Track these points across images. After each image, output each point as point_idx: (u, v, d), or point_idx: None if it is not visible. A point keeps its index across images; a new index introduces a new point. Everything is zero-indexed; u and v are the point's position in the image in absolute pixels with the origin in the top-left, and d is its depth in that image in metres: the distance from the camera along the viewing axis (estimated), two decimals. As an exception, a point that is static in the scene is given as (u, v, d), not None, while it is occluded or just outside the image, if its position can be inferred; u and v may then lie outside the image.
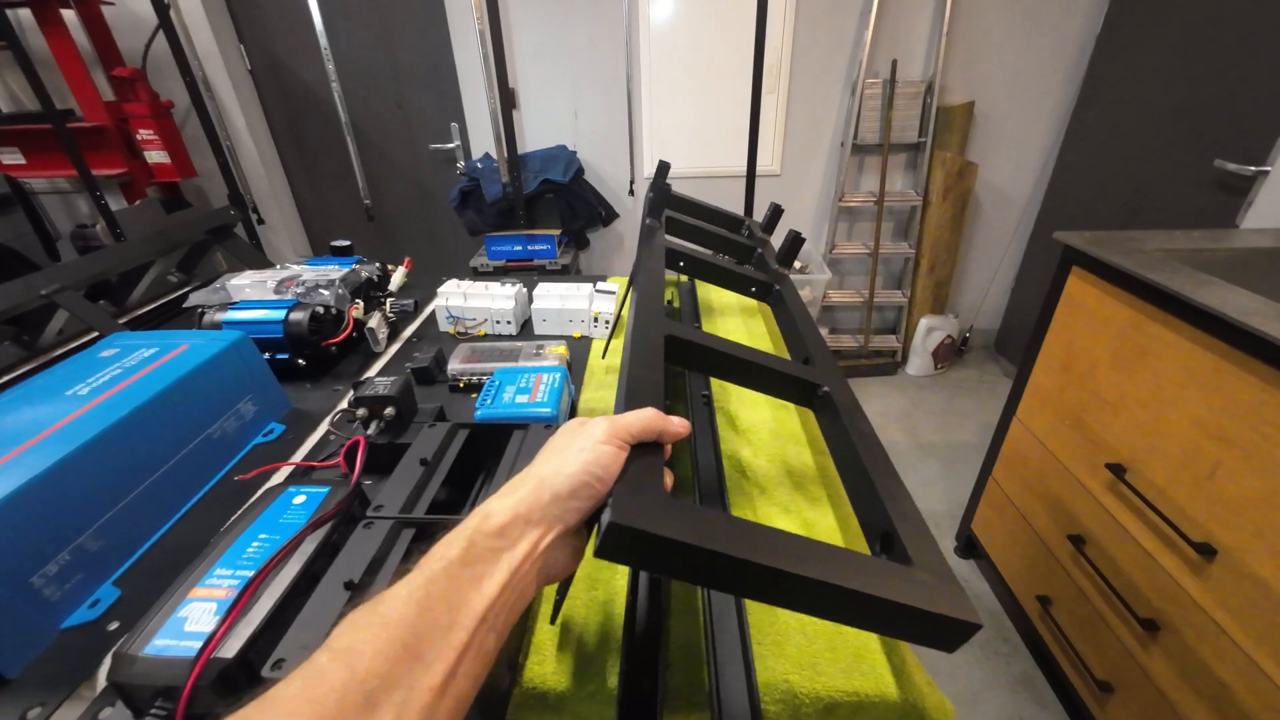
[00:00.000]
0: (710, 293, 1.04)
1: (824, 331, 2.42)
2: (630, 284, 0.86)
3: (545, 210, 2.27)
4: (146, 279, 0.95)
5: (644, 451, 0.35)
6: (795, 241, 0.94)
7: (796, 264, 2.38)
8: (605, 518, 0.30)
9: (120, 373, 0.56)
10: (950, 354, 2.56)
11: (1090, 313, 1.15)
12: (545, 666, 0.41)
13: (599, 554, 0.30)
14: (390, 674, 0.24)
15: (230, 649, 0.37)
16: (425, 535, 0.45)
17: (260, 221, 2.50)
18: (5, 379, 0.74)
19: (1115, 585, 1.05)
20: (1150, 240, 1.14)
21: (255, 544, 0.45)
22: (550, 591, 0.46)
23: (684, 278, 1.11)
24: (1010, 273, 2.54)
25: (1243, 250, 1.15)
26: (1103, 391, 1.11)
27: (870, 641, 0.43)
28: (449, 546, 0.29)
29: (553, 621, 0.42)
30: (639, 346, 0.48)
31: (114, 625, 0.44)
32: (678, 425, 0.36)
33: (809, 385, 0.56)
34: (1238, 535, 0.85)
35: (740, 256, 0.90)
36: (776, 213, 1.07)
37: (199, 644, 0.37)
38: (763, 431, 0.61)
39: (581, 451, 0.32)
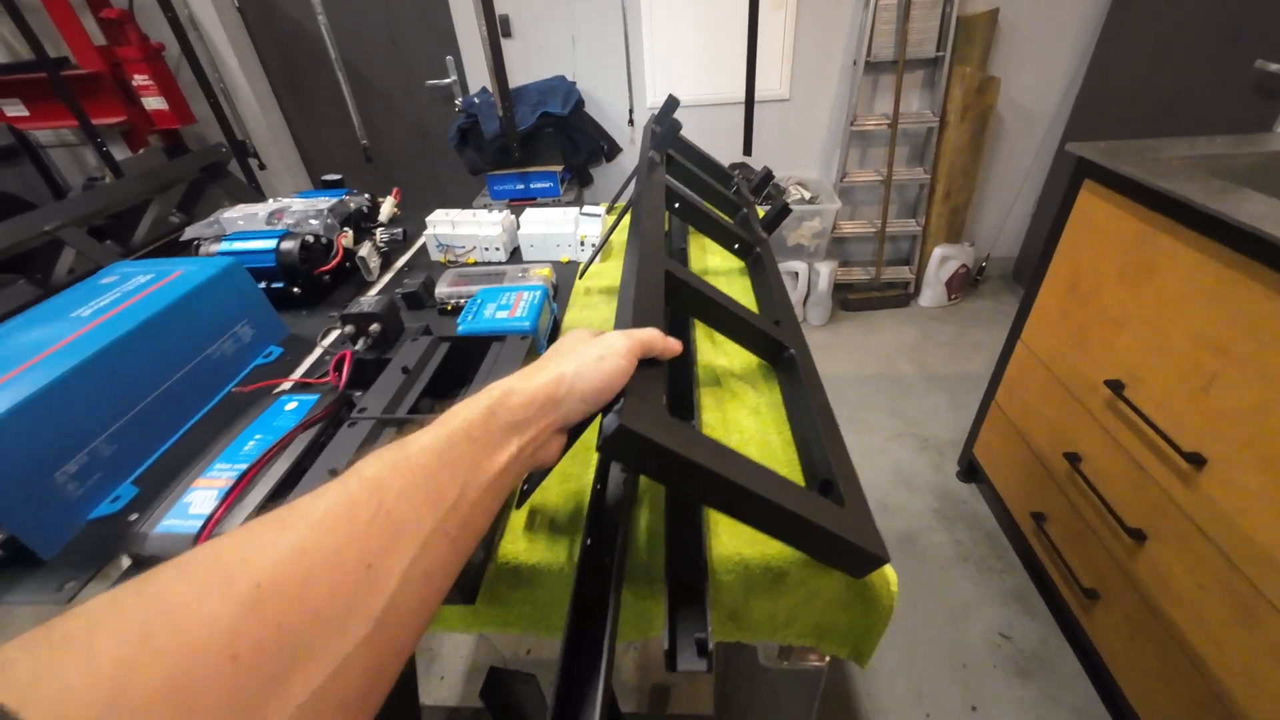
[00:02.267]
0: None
1: (834, 264, 2.38)
2: (624, 213, 0.85)
3: (546, 146, 2.22)
4: (147, 218, 0.97)
5: (647, 366, 0.38)
6: (782, 211, 0.93)
7: (806, 194, 2.31)
8: (612, 420, 0.33)
9: (119, 296, 0.59)
10: (965, 284, 2.51)
11: (1099, 228, 1.11)
12: (518, 545, 0.45)
13: (600, 448, 0.33)
14: (414, 514, 0.25)
15: (230, 527, 0.41)
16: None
17: (262, 167, 2.50)
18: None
19: (1107, 498, 1.07)
20: (1170, 148, 1.08)
21: (251, 443, 0.48)
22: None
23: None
24: (1031, 198, 2.43)
25: (1270, 154, 1.08)
26: (1106, 310, 1.09)
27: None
28: (471, 409, 0.31)
29: (518, 506, 0.45)
30: (644, 277, 0.49)
31: (134, 517, 0.49)
32: (674, 345, 0.40)
33: (778, 345, 0.60)
34: (1227, 446, 0.85)
35: (726, 211, 0.89)
36: (766, 178, 1.04)
37: (200, 523, 0.40)
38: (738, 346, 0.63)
39: (603, 360, 0.35)
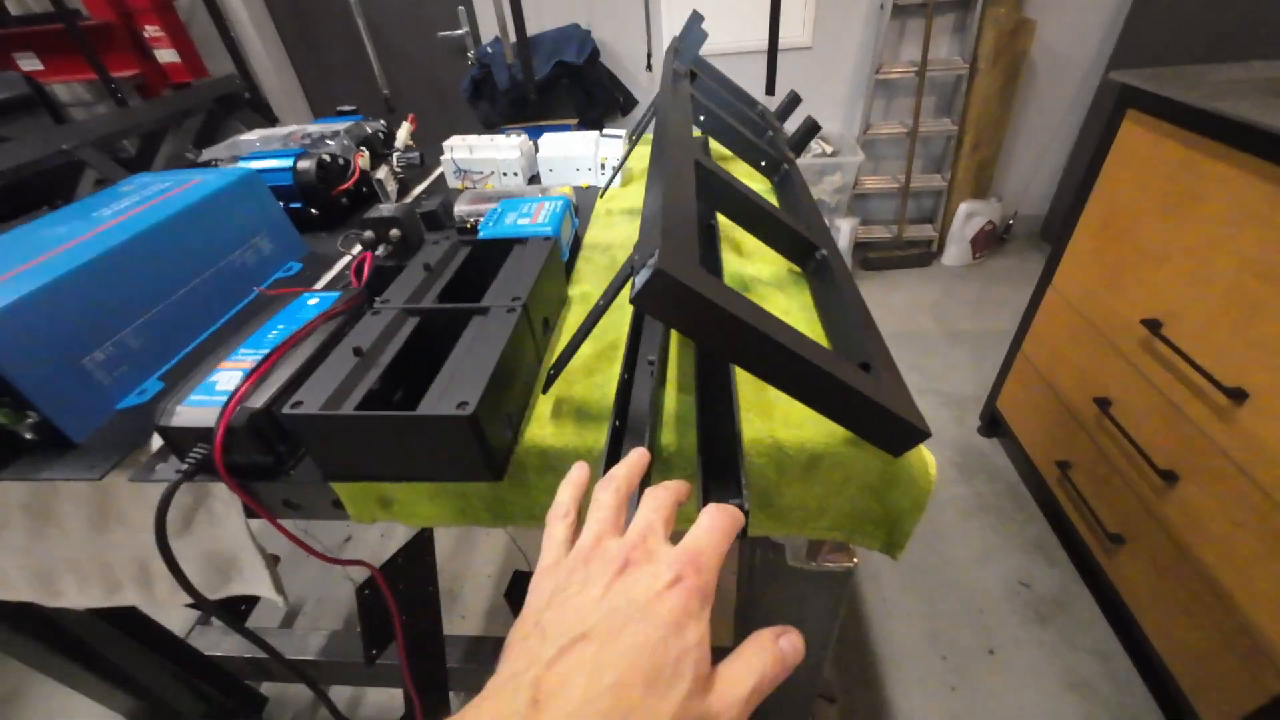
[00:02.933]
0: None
1: (855, 221, 2.32)
2: (646, 122, 0.83)
3: (560, 98, 2.17)
4: (164, 150, 0.96)
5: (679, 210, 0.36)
6: (810, 130, 0.89)
7: (828, 148, 2.25)
8: (646, 270, 0.31)
9: (139, 199, 0.59)
10: (990, 241, 2.44)
11: (1141, 160, 1.06)
12: (545, 429, 0.44)
13: (634, 299, 0.31)
14: None
15: (258, 401, 0.41)
16: (428, 324, 0.47)
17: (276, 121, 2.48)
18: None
19: (1137, 441, 1.04)
20: (1220, 73, 1.02)
21: (274, 332, 0.48)
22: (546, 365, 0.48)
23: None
24: (1063, 152, 2.34)
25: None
26: (1145, 246, 1.04)
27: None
28: None
29: (544, 391, 0.44)
30: (673, 173, 0.47)
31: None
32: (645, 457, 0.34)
33: (809, 245, 0.58)
34: (1272, 376, 0.82)
35: (755, 133, 0.85)
36: (793, 101, 1.00)
37: (225, 398, 0.40)
38: (767, 254, 0.61)
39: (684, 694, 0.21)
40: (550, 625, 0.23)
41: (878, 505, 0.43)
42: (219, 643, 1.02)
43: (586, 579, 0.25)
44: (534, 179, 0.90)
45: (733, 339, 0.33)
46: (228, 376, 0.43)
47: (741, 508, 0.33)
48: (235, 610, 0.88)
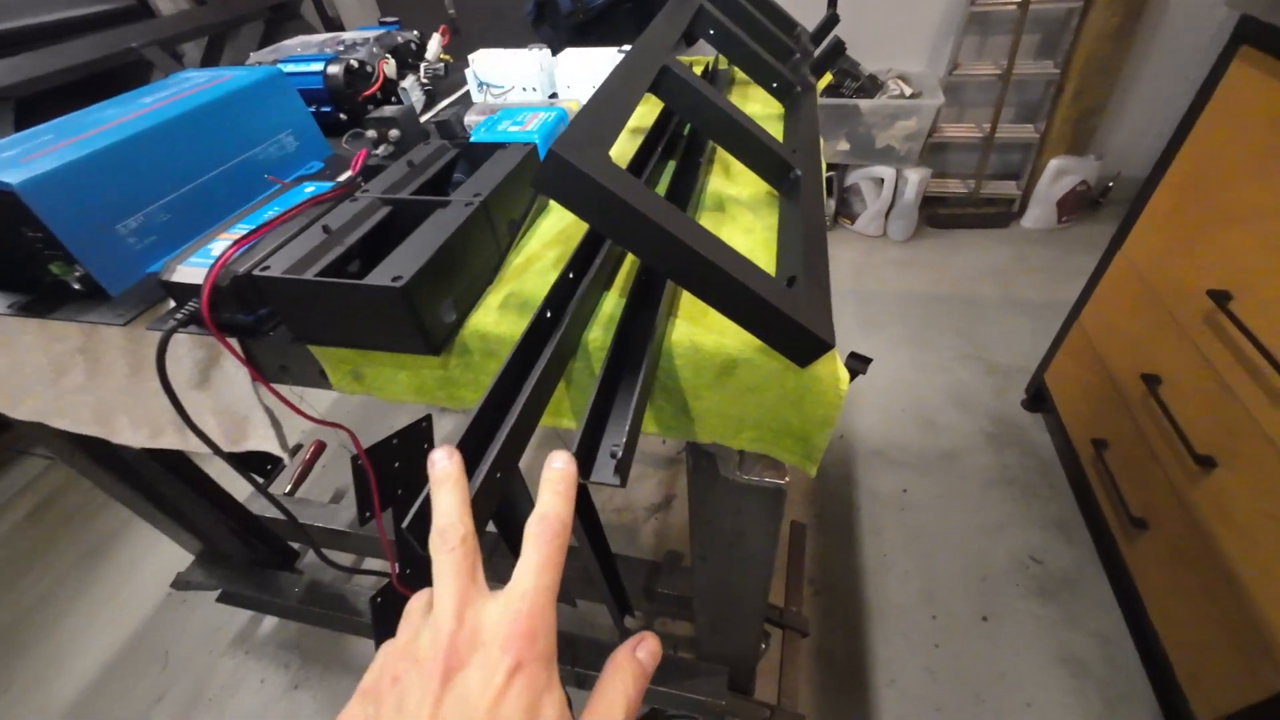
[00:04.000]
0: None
1: (926, 172, 2.15)
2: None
3: (620, 24, 2.10)
4: (227, 53, 1.03)
5: None
6: (834, 50, 0.83)
7: (906, 89, 2.07)
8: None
9: (177, 90, 0.65)
10: (1081, 205, 2.20)
11: (1245, 106, 0.92)
12: (489, 317, 0.47)
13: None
14: None
15: (241, 267, 0.46)
16: (400, 212, 0.51)
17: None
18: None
19: (1179, 423, 0.96)
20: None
21: (270, 212, 0.53)
22: (509, 276, 0.51)
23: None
24: (1181, 107, 2.04)
25: None
26: (1228, 206, 0.93)
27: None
28: None
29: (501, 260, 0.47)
30: (629, 69, 0.46)
31: (180, 274, 0.56)
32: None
33: (785, 166, 0.56)
34: (1341, 358, 0.73)
35: (777, 55, 0.80)
36: (830, 21, 0.92)
37: (213, 261, 0.46)
38: (753, 178, 0.59)
39: None
40: None
41: (794, 417, 0.44)
42: (267, 507, 1.18)
43: (403, 702, 0.20)
44: (555, 96, 0.91)
45: (628, 230, 0.34)
46: (221, 245, 0.49)
47: (617, 454, 0.33)
48: (261, 469, 1.02)
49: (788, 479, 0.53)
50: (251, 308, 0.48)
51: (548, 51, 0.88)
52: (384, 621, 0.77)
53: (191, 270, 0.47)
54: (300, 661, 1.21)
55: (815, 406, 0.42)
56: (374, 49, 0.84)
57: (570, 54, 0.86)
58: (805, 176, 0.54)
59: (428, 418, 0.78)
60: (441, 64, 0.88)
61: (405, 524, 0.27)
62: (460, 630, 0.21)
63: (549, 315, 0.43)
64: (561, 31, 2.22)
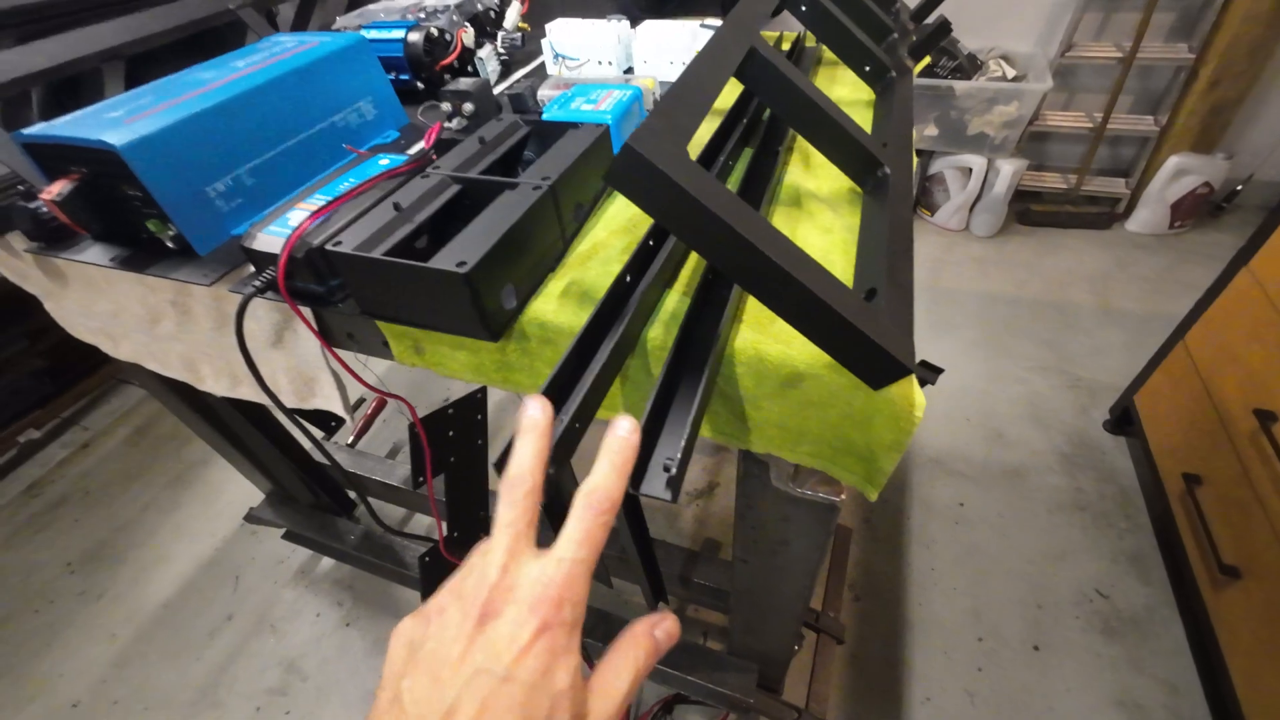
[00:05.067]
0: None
1: (1021, 164, 1.98)
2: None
3: (705, -10, 2.02)
4: (317, 15, 1.05)
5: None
6: (940, 29, 0.75)
7: (1009, 70, 1.90)
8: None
9: (268, 54, 0.67)
10: (1200, 209, 1.98)
11: None
12: (548, 305, 0.47)
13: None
14: None
15: (316, 239, 0.47)
16: (469, 191, 0.50)
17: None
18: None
19: (1295, 468, 0.86)
20: None
21: (345, 184, 0.54)
22: (573, 263, 0.50)
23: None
24: (1350, 98, 1.78)
25: None
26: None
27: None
28: None
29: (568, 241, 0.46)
30: (714, 52, 0.44)
31: (262, 238, 0.58)
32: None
33: (872, 161, 0.52)
34: None
35: (872, 34, 0.74)
36: (939, 30, 0.83)
37: (291, 230, 0.47)
38: (835, 170, 0.55)
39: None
40: (411, 703, 0.22)
41: (859, 437, 0.41)
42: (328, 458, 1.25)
43: (443, 631, 0.23)
44: (631, 71, 0.88)
45: (701, 232, 0.32)
46: (298, 215, 0.50)
47: (670, 469, 0.32)
48: (326, 424, 1.07)
49: (843, 496, 0.50)
50: (323, 278, 0.49)
51: (626, 23, 0.85)
52: (431, 579, 0.80)
53: (270, 239, 0.48)
54: (353, 601, 1.29)
55: (885, 430, 0.39)
56: (454, 16, 0.83)
57: (649, 26, 0.82)
58: (894, 175, 0.50)
59: (483, 389, 0.79)
60: (519, 33, 0.87)
61: (494, 461, 0.28)
62: (501, 581, 0.23)
63: (605, 311, 0.42)
64: (641, 1, 2.17)
